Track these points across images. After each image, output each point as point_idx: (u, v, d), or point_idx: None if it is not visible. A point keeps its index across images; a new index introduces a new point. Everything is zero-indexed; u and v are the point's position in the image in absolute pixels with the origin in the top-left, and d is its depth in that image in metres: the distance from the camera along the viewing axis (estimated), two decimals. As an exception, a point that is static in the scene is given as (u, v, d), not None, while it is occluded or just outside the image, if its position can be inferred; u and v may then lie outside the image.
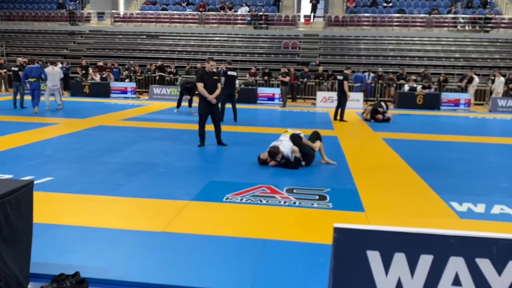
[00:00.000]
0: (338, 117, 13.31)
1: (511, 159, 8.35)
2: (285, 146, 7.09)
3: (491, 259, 2.12)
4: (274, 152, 7.02)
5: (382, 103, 14.00)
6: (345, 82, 13.11)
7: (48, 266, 3.39)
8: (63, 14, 28.27)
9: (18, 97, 14.44)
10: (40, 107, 13.53)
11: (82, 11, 29.09)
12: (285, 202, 5.27)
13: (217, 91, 8.49)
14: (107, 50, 25.33)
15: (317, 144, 7.44)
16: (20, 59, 15.48)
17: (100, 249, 3.84)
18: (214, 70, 8.77)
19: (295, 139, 7.20)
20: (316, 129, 7.79)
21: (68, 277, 3.11)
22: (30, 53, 23.92)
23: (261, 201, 5.30)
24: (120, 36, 26.85)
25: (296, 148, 7.04)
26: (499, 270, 2.13)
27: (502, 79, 18.42)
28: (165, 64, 22.10)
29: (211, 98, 8.36)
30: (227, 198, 5.34)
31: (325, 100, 18.29)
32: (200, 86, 8.39)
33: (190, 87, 13.98)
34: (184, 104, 14.89)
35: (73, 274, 3.14)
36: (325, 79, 20.53)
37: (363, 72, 20.42)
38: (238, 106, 12.81)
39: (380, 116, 13.32)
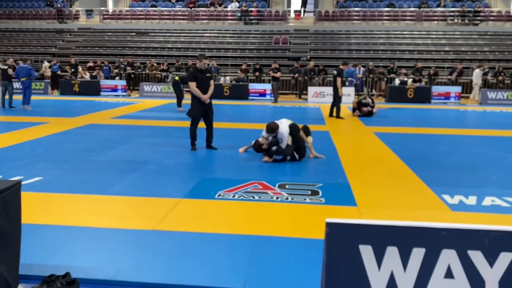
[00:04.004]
0: (334, 114, 12.94)
1: (502, 151, 8.40)
2: (283, 128, 7.09)
3: (483, 251, 2.13)
4: (273, 127, 7.00)
5: (368, 98, 13.92)
6: (338, 79, 12.80)
7: (38, 267, 3.35)
8: (51, 12, 28.00)
9: (6, 96, 14.29)
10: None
11: (71, 8, 28.83)
12: (277, 198, 5.26)
13: (211, 90, 7.91)
14: (96, 48, 25.13)
15: (309, 140, 7.44)
16: (11, 59, 15.32)
17: (91, 248, 3.79)
18: (206, 67, 8.13)
19: (294, 129, 7.20)
20: (307, 125, 7.78)
21: (58, 278, 3.07)
22: (18, 52, 23.69)
23: (253, 197, 5.28)
24: (109, 34, 26.65)
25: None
26: (491, 261, 2.13)
27: (478, 70, 18.82)
28: (152, 62, 21.97)
29: (205, 97, 7.79)
30: (219, 195, 5.32)
31: (317, 95, 18.30)
32: (192, 85, 7.76)
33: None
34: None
35: (63, 275, 3.10)
36: (316, 74, 20.53)
37: (354, 66, 20.44)
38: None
39: (365, 109, 13.31)
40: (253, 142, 7.51)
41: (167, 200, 5.10)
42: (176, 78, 14.28)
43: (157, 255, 3.69)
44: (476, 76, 18.63)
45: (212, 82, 8.03)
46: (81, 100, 17.06)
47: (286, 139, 7.03)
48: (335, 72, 13.12)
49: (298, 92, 19.71)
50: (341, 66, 13.35)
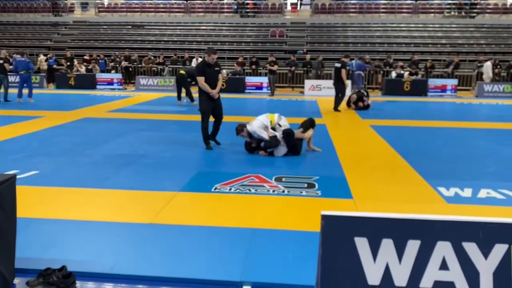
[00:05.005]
0: (340, 107, 12.82)
1: (498, 143, 8.43)
2: (253, 125, 7.09)
3: (478, 243, 2.14)
4: (238, 128, 7.21)
5: (363, 91, 13.91)
6: (343, 70, 12.66)
7: (34, 261, 3.35)
8: (46, 5, 27.79)
9: (2, 90, 14.21)
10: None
11: (66, 1, 28.62)
12: (274, 191, 5.26)
13: (219, 84, 7.68)
14: (92, 41, 24.99)
15: (309, 133, 7.39)
16: (4, 51, 15.19)
17: (87, 242, 3.79)
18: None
19: (288, 137, 7.11)
20: (312, 118, 7.70)
21: (54, 271, 3.07)
22: (13, 45, 23.53)
23: (250, 190, 5.28)
24: (104, 27, 26.49)
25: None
26: (486, 253, 2.14)
27: (489, 63, 18.61)
28: (151, 55, 21.87)
29: (214, 92, 7.54)
30: (215, 188, 5.32)
31: (313, 89, 18.28)
32: (201, 80, 7.47)
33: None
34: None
35: (59, 268, 3.10)
36: (313, 67, 20.49)
37: (351, 59, 20.37)
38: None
39: (360, 104, 13.30)
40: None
41: (164, 193, 5.10)
42: (182, 71, 14.05)
43: (154, 248, 3.69)
44: (487, 69, 18.36)
45: (220, 76, 7.80)
46: (77, 94, 16.98)
47: (262, 132, 7.02)
48: (338, 64, 12.93)
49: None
50: (343, 59, 13.22)
